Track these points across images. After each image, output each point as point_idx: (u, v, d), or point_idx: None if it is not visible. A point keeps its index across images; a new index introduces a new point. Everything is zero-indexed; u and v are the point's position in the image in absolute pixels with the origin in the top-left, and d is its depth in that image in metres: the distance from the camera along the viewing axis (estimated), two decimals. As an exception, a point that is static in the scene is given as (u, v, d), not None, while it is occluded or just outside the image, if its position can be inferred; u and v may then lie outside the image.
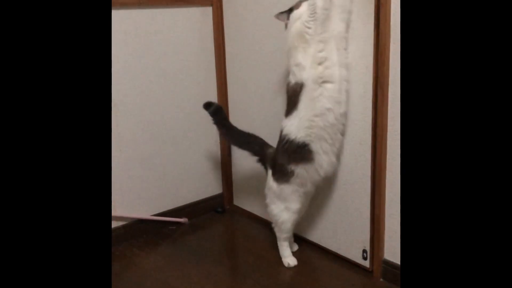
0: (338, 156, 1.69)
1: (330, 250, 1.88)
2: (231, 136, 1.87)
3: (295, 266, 1.81)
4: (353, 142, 1.69)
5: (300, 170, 1.65)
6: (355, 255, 1.79)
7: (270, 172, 1.75)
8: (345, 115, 1.63)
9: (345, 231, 1.80)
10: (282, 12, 1.61)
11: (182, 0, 2.06)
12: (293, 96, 1.60)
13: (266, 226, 2.17)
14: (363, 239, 1.74)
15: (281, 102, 1.98)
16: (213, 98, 2.25)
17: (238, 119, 2.23)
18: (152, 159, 2.09)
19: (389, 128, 1.58)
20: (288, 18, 1.59)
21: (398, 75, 1.52)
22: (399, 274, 1.65)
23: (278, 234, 1.82)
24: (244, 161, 1.92)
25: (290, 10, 1.59)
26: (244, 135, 1.84)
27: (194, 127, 2.21)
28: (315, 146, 1.61)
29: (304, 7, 1.54)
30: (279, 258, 1.88)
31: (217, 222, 2.27)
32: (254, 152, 1.81)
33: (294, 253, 1.87)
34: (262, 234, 2.11)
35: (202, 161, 2.28)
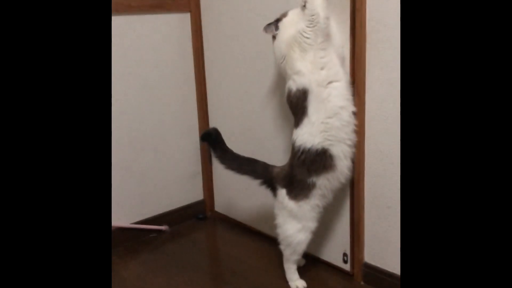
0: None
1: (311, 254, 1.88)
2: (230, 161, 1.74)
3: (276, 271, 1.80)
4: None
5: (322, 181, 1.56)
6: (336, 259, 1.80)
7: (283, 191, 1.63)
8: (355, 114, 1.56)
9: (325, 234, 1.81)
10: (269, 24, 1.59)
11: (160, 7, 2.06)
12: (298, 104, 1.53)
13: (248, 232, 2.17)
14: (344, 243, 1.75)
15: (260, 106, 1.99)
16: (192, 104, 2.25)
17: (217, 124, 2.23)
18: (131, 166, 2.07)
19: (366, 132, 1.60)
20: (276, 29, 1.57)
21: (375, 80, 1.54)
22: (379, 277, 1.66)
23: (289, 256, 1.70)
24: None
25: (277, 20, 1.58)
26: (243, 159, 1.74)
27: (174, 133, 2.20)
28: (335, 150, 1.53)
29: (292, 16, 1.54)
30: (261, 264, 1.88)
31: (199, 229, 2.26)
32: (257, 175, 1.70)
33: (275, 259, 1.87)
34: (244, 240, 2.11)
35: (183, 167, 2.27)
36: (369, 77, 1.55)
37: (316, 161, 1.54)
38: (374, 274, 1.68)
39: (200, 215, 2.34)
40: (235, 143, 2.15)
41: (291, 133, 1.83)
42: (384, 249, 1.64)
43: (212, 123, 2.26)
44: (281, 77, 1.85)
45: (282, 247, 1.71)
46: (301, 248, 1.67)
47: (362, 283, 1.72)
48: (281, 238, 1.69)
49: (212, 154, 1.75)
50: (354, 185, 1.66)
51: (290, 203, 1.62)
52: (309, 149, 1.53)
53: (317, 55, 1.48)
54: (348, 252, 1.74)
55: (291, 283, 1.73)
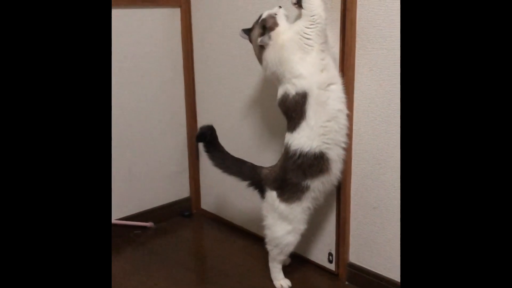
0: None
1: (297, 253, 1.88)
2: (219, 160, 1.72)
3: (261, 269, 1.80)
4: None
5: (316, 184, 1.56)
6: (321, 259, 1.80)
7: (273, 193, 1.62)
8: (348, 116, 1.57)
9: (311, 234, 1.81)
10: (263, 36, 1.54)
11: (150, 1, 2.04)
12: (297, 108, 1.50)
13: (234, 230, 2.16)
14: (329, 243, 1.75)
15: (249, 103, 1.98)
16: (180, 100, 2.23)
17: (205, 121, 2.21)
18: (117, 161, 2.05)
19: (354, 132, 1.60)
20: (270, 38, 1.52)
21: (364, 80, 1.54)
22: (364, 277, 1.66)
23: (276, 256, 1.69)
24: (211, 164, 1.90)
25: (266, 29, 1.54)
26: (232, 160, 1.72)
27: (160, 129, 2.18)
28: (332, 154, 1.53)
29: (283, 21, 1.53)
30: (246, 262, 1.88)
31: (184, 226, 2.25)
32: (244, 177, 1.69)
33: (260, 258, 1.86)
34: (229, 238, 2.10)
35: (169, 164, 2.25)
36: (358, 77, 1.55)
37: (314, 164, 1.53)
38: (359, 274, 1.68)
39: (186, 212, 2.33)
40: (223, 141, 2.13)
41: (280, 132, 1.83)
42: (369, 249, 1.64)
43: (200, 120, 2.24)
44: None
45: (269, 247, 1.70)
46: (289, 249, 1.67)
47: (346, 283, 1.72)
48: (269, 239, 1.68)
49: (204, 148, 1.72)
50: (341, 186, 1.66)
51: (281, 206, 1.60)
52: (306, 153, 1.52)
53: (318, 56, 1.47)
54: (334, 252, 1.75)
55: (275, 282, 1.72)
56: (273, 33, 1.53)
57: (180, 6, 2.13)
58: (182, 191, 2.33)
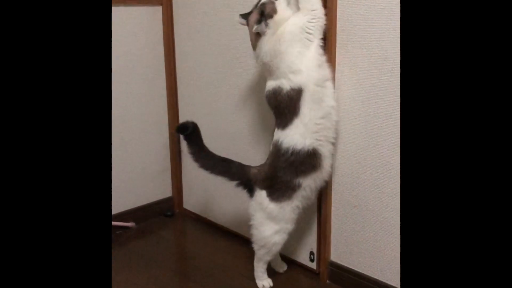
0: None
1: (279, 253, 1.88)
2: (205, 160, 1.68)
3: (243, 269, 1.79)
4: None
5: (308, 181, 1.54)
6: (303, 257, 1.80)
7: (263, 193, 1.59)
8: None
9: (293, 233, 1.80)
10: (259, 22, 1.47)
11: (131, -1, 2.02)
12: (289, 104, 1.47)
13: (216, 230, 2.15)
14: (311, 241, 1.76)
15: (232, 101, 1.97)
16: (162, 98, 2.21)
17: (187, 119, 2.20)
18: (97, 161, 2.03)
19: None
20: (266, 26, 1.46)
21: (344, 79, 1.54)
22: (345, 276, 1.67)
23: (262, 256, 1.67)
24: (194, 163, 1.89)
25: (264, 16, 1.46)
26: (218, 159, 1.68)
27: (142, 129, 2.16)
28: (324, 150, 1.52)
29: (287, 12, 1.47)
30: (228, 262, 1.87)
31: (166, 226, 2.23)
32: (232, 176, 1.66)
33: (242, 257, 1.86)
34: (212, 238, 2.09)
35: (151, 163, 2.23)
36: (338, 76, 1.55)
37: (306, 162, 1.51)
38: (340, 273, 1.69)
39: (168, 212, 2.31)
40: (206, 139, 2.12)
41: (266, 131, 1.83)
42: (350, 248, 1.65)
43: (182, 118, 2.23)
44: (256, 73, 1.84)
45: (256, 247, 1.68)
46: (276, 249, 1.66)
47: (328, 281, 1.73)
48: (256, 238, 1.66)
49: (187, 149, 1.69)
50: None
51: (271, 205, 1.58)
52: (299, 151, 1.49)
53: (317, 51, 1.45)
54: (315, 251, 1.75)
55: (258, 282, 1.72)
56: (271, 21, 1.46)
57: (161, 4, 2.12)
58: (164, 190, 2.32)
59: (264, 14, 1.47)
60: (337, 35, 1.52)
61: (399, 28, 1.37)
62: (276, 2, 1.47)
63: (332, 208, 1.68)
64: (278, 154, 1.54)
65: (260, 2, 1.51)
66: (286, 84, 1.47)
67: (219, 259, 1.90)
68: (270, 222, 1.60)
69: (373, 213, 1.56)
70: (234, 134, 1.99)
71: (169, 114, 2.24)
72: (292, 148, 1.50)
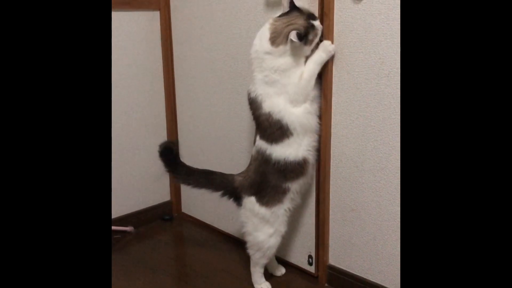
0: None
1: (276, 256, 1.88)
2: (184, 175, 1.70)
3: (241, 273, 1.79)
4: (298, 149, 1.72)
5: (296, 185, 1.59)
6: (301, 261, 1.81)
7: (252, 199, 1.61)
8: None
9: (291, 237, 1.81)
10: (300, 39, 1.43)
11: (129, 4, 2.02)
12: (282, 128, 1.51)
13: (215, 233, 2.15)
14: (309, 245, 1.76)
15: (230, 107, 1.98)
16: (160, 103, 2.22)
17: (186, 125, 2.21)
18: (96, 166, 2.03)
19: (333, 135, 1.61)
20: (305, 43, 1.46)
21: (341, 83, 1.55)
22: (344, 279, 1.67)
23: (259, 260, 1.68)
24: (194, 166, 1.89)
25: (306, 34, 1.45)
26: (199, 173, 1.70)
27: (140, 133, 2.17)
28: (311, 158, 1.58)
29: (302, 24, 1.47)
30: (227, 266, 1.87)
31: (165, 230, 2.23)
32: (216, 187, 1.68)
33: (241, 261, 1.86)
34: (210, 242, 2.09)
35: (149, 167, 2.24)
36: (335, 81, 1.56)
37: (296, 169, 1.56)
38: (339, 276, 1.69)
39: (167, 216, 2.31)
40: (204, 144, 2.13)
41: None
42: (348, 251, 1.66)
43: (180, 123, 2.23)
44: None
45: (251, 251, 1.69)
46: (272, 252, 1.67)
47: (326, 285, 1.73)
48: (251, 244, 1.67)
49: (164, 167, 1.70)
50: (320, 188, 1.67)
51: (262, 210, 1.60)
52: (291, 162, 1.54)
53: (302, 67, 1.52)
54: (313, 254, 1.75)
55: (256, 286, 1.72)
56: (304, 46, 1.48)
57: (159, 9, 2.13)
58: (162, 195, 2.32)
59: (308, 35, 1.46)
60: (334, 39, 1.53)
61: (396, 32, 1.38)
62: (318, 32, 1.49)
63: (330, 212, 1.68)
64: (266, 162, 1.57)
65: (311, 15, 1.49)
66: (282, 107, 1.51)
67: (217, 263, 1.90)
68: (263, 227, 1.62)
69: (371, 216, 1.56)
70: (232, 138, 2.00)
71: (167, 118, 2.25)
72: (285, 160, 1.54)
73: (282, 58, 1.48)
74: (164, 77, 2.21)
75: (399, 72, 1.40)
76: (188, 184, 1.70)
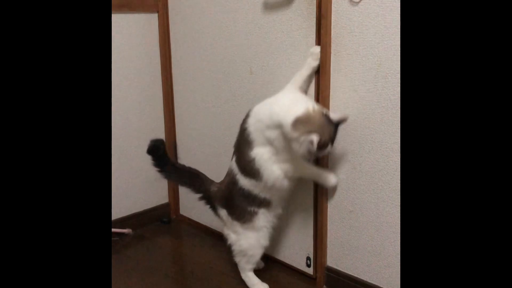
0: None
1: (274, 258, 1.89)
2: (169, 172, 1.74)
3: (239, 275, 1.79)
4: (296, 150, 1.72)
5: (263, 210, 1.63)
6: (299, 263, 1.81)
7: (224, 211, 1.68)
8: None
9: (289, 238, 1.82)
10: (319, 149, 1.40)
11: (127, 6, 2.03)
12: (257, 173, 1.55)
13: (213, 236, 2.15)
14: (307, 247, 1.76)
15: (228, 109, 1.98)
16: (159, 105, 2.22)
17: (184, 126, 2.21)
18: (94, 168, 2.03)
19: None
20: (312, 147, 1.38)
21: (339, 85, 1.56)
22: (342, 281, 1.68)
23: (244, 266, 1.72)
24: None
25: (321, 148, 1.41)
26: (184, 171, 1.75)
27: (138, 135, 2.17)
28: (276, 198, 1.63)
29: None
30: (225, 268, 1.87)
31: (163, 232, 2.23)
32: (195, 190, 1.74)
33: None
34: (208, 244, 2.09)
35: (147, 170, 2.21)
36: (333, 82, 1.57)
37: (260, 202, 1.61)
38: (337, 278, 1.69)
39: (165, 219, 2.31)
40: (202, 145, 2.13)
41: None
42: (347, 253, 1.66)
43: (179, 125, 2.24)
44: (252, 80, 1.85)
45: (237, 259, 1.73)
46: (256, 258, 1.70)
47: (324, 286, 1.73)
48: (236, 252, 1.72)
49: (151, 162, 1.73)
50: (318, 190, 1.67)
51: (235, 223, 1.65)
52: (255, 194, 1.59)
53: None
54: (311, 256, 1.75)
55: None
56: (314, 153, 1.41)
57: (157, 12, 2.13)
58: (160, 197, 2.32)
59: (320, 145, 1.39)
60: (332, 42, 1.54)
61: (393, 34, 1.39)
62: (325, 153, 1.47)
63: (328, 213, 1.68)
64: (234, 184, 1.61)
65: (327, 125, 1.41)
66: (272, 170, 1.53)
67: (216, 265, 1.90)
68: (245, 235, 1.66)
69: (369, 218, 1.57)
70: (230, 139, 1.99)
71: (165, 120, 2.25)
72: (248, 191, 1.59)
73: (288, 142, 1.43)
74: (162, 79, 2.21)
75: (397, 74, 1.40)
76: (171, 180, 1.78)
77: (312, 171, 1.60)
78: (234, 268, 1.86)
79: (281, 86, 1.71)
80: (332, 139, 1.42)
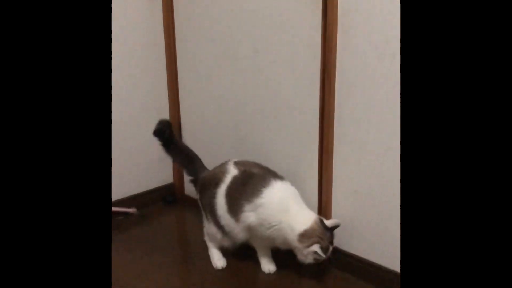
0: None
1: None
2: (171, 150, 1.84)
3: (242, 254, 1.79)
4: (301, 131, 1.71)
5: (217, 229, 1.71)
6: (303, 243, 1.81)
7: (198, 196, 1.80)
8: None
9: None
10: (318, 252, 1.54)
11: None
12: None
13: (217, 216, 2.16)
14: (311, 227, 1.76)
15: (234, 89, 1.96)
16: (163, 84, 2.21)
17: (188, 107, 2.20)
18: (98, 147, 2.02)
19: (336, 115, 1.60)
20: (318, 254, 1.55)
21: (345, 64, 1.53)
22: (346, 260, 1.68)
23: (209, 243, 1.81)
24: (196, 149, 1.89)
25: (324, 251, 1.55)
26: (183, 153, 1.85)
27: (143, 114, 2.16)
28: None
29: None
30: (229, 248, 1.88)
31: (168, 212, 2.24)
32: (188, 173, 1.85)
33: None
34: (212, 224, 2.10)
35: (152, 149, 2.21)
36: (339, 61, 1.55)
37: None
38: (341, 258, 1.69)
39: (170, 199, 2.32)
40: (206, 126, 2.13)
41: (267, 116, 1.83)
42: (351, 233, 1.66)
43: (183, 105, 2.22)
44: (258, 59, 1.83)
45: (205, 238, 1.82)
46: (219, 244, 1.75)
47: (329, 266, 1.74)
48: (205, 232, 1.81)
49: (159, 142, 1.81)
50: (322, 169, 1.67)
51: (203, 213, 1.78)
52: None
53: None
54: (315, 236, 1.75)
55: (263, 266, 1.72)
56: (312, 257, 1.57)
57: (162, -13, 2.10)
58: (165, 177, 2.32)
59: (325, 253, 1.55)
60: (338, 20, 1.51)
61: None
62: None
63: (332, 194, 1.68)
64: (213, 197, 1.67)
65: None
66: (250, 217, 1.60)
67: (220, 244, 1.91)
68: (206, 222, 1.76)
69: (373, 198, 1.56)
70: (236, 120, 1.99)
71: (169, 100, 2.24)
72: (219, 217, 1.67)
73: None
74: (166, 58, 2.19)
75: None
76: (171, 157, 1.85)
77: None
78: (238, 248, 1.87)
79: (286, 65, 1.69)
80: (331, 242, 1.57)
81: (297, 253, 1.58)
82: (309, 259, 1.55)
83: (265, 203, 1.56)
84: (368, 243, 1.61)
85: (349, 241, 1.67)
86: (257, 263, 1.74)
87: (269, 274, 1.70)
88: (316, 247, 1.52)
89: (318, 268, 1.67)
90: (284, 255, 1.70)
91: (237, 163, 1.69)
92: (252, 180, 1.61)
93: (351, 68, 1.52)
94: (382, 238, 1.56)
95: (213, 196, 1.66)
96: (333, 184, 1.67)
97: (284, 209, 1.57)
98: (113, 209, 2.10)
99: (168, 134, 1.79)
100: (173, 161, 1.85)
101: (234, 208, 1.61)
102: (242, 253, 1.78)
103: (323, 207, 1.70)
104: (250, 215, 1.58)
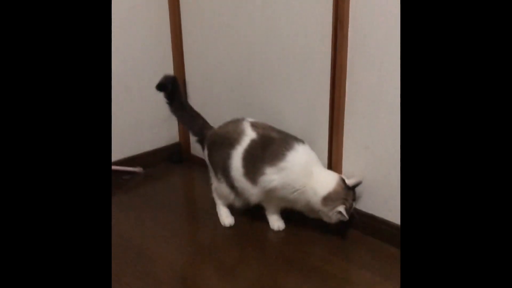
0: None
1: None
2: (175, 109, 1.78)
3: (249, 211, 1.78)
4: (311, 86, 1.65)
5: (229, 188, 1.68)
6: (313, 201, 1.78)
7: (206, 151, 1.73)
8: None
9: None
10: (343, 212, 1.53)
11: None
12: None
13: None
14: (321, 184, 1.73)
15: (239, 42, 1.89)
16: (166, 41, 2.14)
17: (193, 64, 2.13)
18: (102, 105, 1.98)
19: (348, 67, 1.53)
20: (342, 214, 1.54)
21: (359, 12, 1.46)
22: (357, 218, 1.65)
23: (217, 201, 1.79)
24: (202, 108, 1.84)
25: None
26: (187, 113, 1.80)
27: (147, 72, 2.10)
28: None
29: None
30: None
31: (174, 172, 2.21)
32: (193, 132, 1.80)
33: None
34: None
35: (158, 109, 2.16)
36: (352, 10, 1.47)
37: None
38: (351, 214, 1.67)
39: (176, 158, 2.29)
40: (212, 83, 2.07)
41: (276, 78, 1.77)
42: (361, 190, 1.62)
43: (188, 62, 2.16)
44: (267, 15, 1.75)
45: (214, 195, 1.79)
46: (228, 202, 1.72)
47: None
48: (213, 188, 1.77)
49: (165, 99, 1.75)
50: (333, 125, 1.61)
51: (211, 170, 1.72)
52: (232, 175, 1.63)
53: None
54: (325, 194, 1.72)
55: (272, 223, 1.70)
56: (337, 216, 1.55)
57: None
58: (171, 136, 2.29)
59: (345, 213, 1.53)
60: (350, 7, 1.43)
61: None
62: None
63: (344, 150, 1.63)
64: (228, 158, 1.60)
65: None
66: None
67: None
68: (215, 181, 1.72)
69: (385, 154, 1.51)
70: (242, 76, 1.92)
71: (174, 58, 2.17)
72: (233, 177, 1.61)
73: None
74: (170, 16, 2.11)
75: None
76: (175, 115, 1.80)
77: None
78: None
79: (297, 17, 1.62)
80: (354, 200, 1.56)
81: (321, 215, 1.57)
82: (334, 219, 1.55)
83: (290, 167, 1.52)
84: (379, 200, 1.58)
85: (360, 199, 1.64)
86: (266, 221, 1.71)
87: (278, 231, 1.68)
88: (341, 208, 1.51)
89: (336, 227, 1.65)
90: (292, 213, 1.67)
91: (254, 125, 1.62)
92: (272, 144, 1.55)
93: (364, 17, 1.44)
94: (393, 195, 1.53)
95: (227, 157, 1.60)
96: (344, 141, 1.62)
97: (308, 173, 1.54)
98: (119, 168, 2.07)
99: (171, 89, 1.71)
100: (178, 121, 1.80)
101: (253, 171, 1.55)
102: (250, 211, 1.75)
103: (333, 165, 1.66)
104: (273, 179, 1.53)
